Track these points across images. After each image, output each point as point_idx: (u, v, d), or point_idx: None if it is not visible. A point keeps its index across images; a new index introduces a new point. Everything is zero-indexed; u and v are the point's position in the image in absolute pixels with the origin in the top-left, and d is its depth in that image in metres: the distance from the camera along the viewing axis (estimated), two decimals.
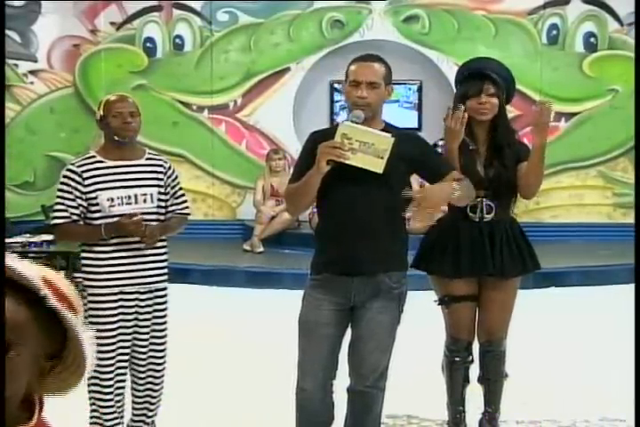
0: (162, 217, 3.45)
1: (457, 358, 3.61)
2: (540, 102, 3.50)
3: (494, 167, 3.47)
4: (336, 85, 9.33)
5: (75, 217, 3.32)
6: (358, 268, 3.02)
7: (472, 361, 3.65)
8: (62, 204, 3.32)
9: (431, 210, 2.98)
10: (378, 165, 2.86)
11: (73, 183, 3.31)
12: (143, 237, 3.29)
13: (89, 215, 3.33)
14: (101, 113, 3.37)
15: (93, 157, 3.38)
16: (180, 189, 3.55)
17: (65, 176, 3.35)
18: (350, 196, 3.01)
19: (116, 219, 3.30)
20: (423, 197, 2.93)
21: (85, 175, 3.31)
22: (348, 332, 3.14)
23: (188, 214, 3.58)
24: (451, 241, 3.48)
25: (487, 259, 3.47)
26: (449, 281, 3.51)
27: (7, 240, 5.56)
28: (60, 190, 3.33)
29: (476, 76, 3.46)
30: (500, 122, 3.49)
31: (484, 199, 3.47)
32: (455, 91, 3.62)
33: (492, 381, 3.64)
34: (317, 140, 3.01)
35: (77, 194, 3.30)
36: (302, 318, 3.12)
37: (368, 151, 2.84)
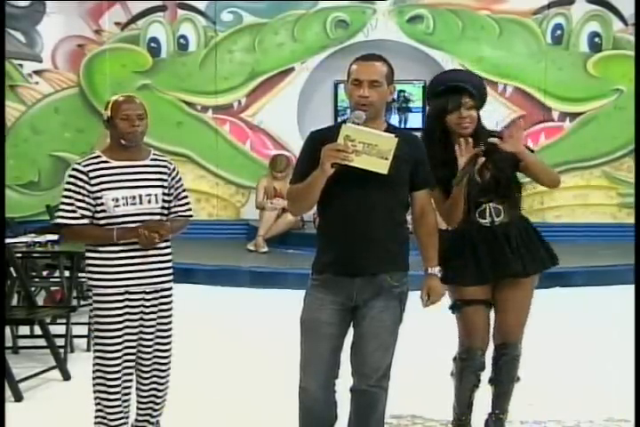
0: (165, 218, 3.46)
1: (468, 367, 3.55)
2: (513, 121, 3.47)
3: (488, 171, 3.45)
4: (340, 85, 9.33)
5: (85, 219, 3.32)
6: (359, 268, 3.02)
7: (484, 369, 3.59)
8: (71, 204, 3.31)
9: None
10: (382, 167, 2.85)
11: (80, 183, 3.31)
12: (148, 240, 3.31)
13: (94, 215, 3.34)
14: (109, 114, 3.37)
15: (99, 156, 3.38)
16: (184, 190, 3.55)
17: (72, 176, 3.34)
18: (351, 196, 3.00)
19: (121, 219, 3.32)
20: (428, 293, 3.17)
21: (92, 175, 3.32)
22: (351, 331, 3.14)
23: (191, 216, 3.59)
24: (467, 250, 3.45)
25: (509, 261, 3.43)
26: (463, 286, 3.49)
27: (12, 240, 5.56)
28: (68, 190, 3.33)
29: (453, 90, 3.42)
30: (479, 130, 3.46)
31: (490, 203, 3.45)
32: (429, 106, 3.55)
33: (504, 384, 3.59)
34: (317, 139, 3.00)
35: (85, 193, 3.30)
36: (303, 317, 3.11)
37: (372, 153, 2.83)
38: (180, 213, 3.52)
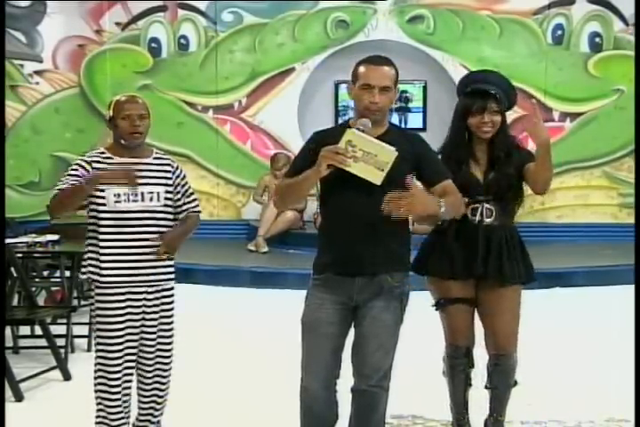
0: (169, 216, 3.46)
1: (457, 365, 3.58)
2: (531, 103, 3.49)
3: (493, 173, 3.46)
4: (341, 86, 9.34)
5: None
6: (359, 268, 3.02)
7: (473, 366, 3.61)
8: (65, 182, 3.31)
9: (407, 211, 2.84)
10: (377, 177, 2.87)
11: (81, 170, 3.32)
12: (164, 251, 3.33)
13: (94, 208, 3.34)
14: (111, 113, 3.38)
15: (103, 152, 3.40)
16: (190, 187, 3.57)
17: (75, 164, 3.37)
18: (352, 196, 3.00)
19: (123, 215, 3.33)
20: (412, 196, 2.83)
21: (94, 166, 3.33)
22: (352, 331, 3.14)
23: (200, 212, 3.60)
24: (448, 243, 3.46)
25: (480, 262, 3.44)
26: (445, 283, 3.49)
27: (12, 240, 5.56)
28: (68, 175, 3.33)
29: (480, 93, 3.44)
30: (499, 132, 3.48)
31: (485, 203, 3.45)
32: (457, 101, 3.55)
33: (500, 390, 3.58)
34: (319, 140, 3.01)
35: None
36: (305, 317, 3.12)
37: (370, 162, 2.85)
38: (191, 210, 3.54)
